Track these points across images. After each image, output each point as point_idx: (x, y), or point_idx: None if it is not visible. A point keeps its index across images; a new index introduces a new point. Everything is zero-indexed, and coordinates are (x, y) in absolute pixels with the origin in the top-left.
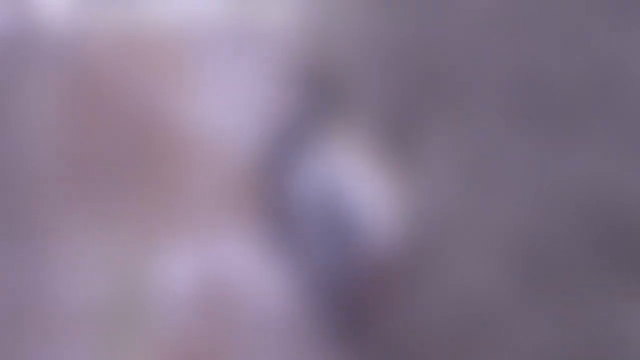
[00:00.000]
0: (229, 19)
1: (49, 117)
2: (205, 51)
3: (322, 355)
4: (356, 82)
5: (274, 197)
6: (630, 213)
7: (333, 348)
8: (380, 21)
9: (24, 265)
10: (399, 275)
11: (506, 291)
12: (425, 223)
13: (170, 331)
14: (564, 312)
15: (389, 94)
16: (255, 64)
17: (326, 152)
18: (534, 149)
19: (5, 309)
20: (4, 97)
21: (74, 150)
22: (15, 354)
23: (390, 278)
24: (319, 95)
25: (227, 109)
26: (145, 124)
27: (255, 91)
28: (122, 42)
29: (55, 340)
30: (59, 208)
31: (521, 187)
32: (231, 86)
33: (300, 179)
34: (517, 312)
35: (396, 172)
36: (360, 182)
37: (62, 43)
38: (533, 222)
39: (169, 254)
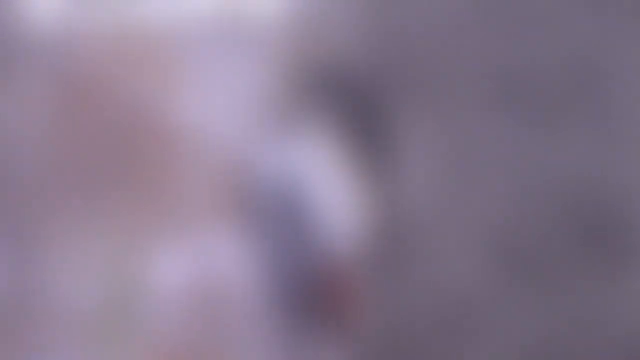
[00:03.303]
0: (218, 18)
1: (38, 119)
2: (194, 50)
3: (302, 349)
4: (340, 75)
5: (257, 195)
6: (611, 203)
7: (312, 342)
8: (364, 14)
9: (17, 269)
10: (375, 269)
11: (486, 283)
12: (402, 216)
13: (162, 329)
14: (546, 300)
15: (370, 85)
16: (242, 63)
17: (307, 146)
18: (515, 140)
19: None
20: None
21: (63, 151)
22: (9, 356)
23: (366, 271)
24: (305, 91)
25: (214, 108)
26: (135, 125)
27: (244, 90)
28: (111, 42)
29: (49, 341)
30: (49, 210)
31: (502, 178)
32: (220, 86)
33: (284, 176)
34: (499, 304)
35: (372, 166)
36: (333, 179)
37: (51, 43)
38: (514, 213)
39: (159, 254)
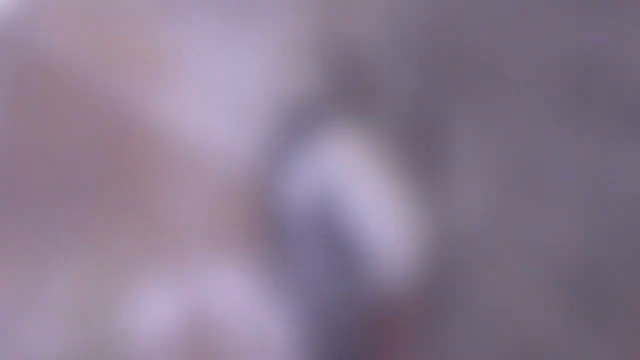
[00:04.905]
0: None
1: (3, 124)
2: (192, 33)
3: None
4: (372, 72)
5: (270, 220)
6: None
7: None
8: (399, 2)
9: None
10: (420, 313)
11: (556, 324)
12: (453, 244)
13: None
14: (626, 342)
15: (409, 84)
16: (253, 49)
17: (332, 159)
18: (585, 149)
19: None
20: None
21: (34, 164)
22: None
23: (409, 316)
24: (332, 86)
25: (217, 109)
26: (118, 130)
27: (255, 84)
28: (91, 30)
29: None
30: (16, 235)
31: (571, 196)
32: (226, 80)
33: (302, 197)
34: (571, 347)
35: (418, 181)
36: (373, 197)
37: (17, 30)
38: (586, 238)
39: (147, 288)
